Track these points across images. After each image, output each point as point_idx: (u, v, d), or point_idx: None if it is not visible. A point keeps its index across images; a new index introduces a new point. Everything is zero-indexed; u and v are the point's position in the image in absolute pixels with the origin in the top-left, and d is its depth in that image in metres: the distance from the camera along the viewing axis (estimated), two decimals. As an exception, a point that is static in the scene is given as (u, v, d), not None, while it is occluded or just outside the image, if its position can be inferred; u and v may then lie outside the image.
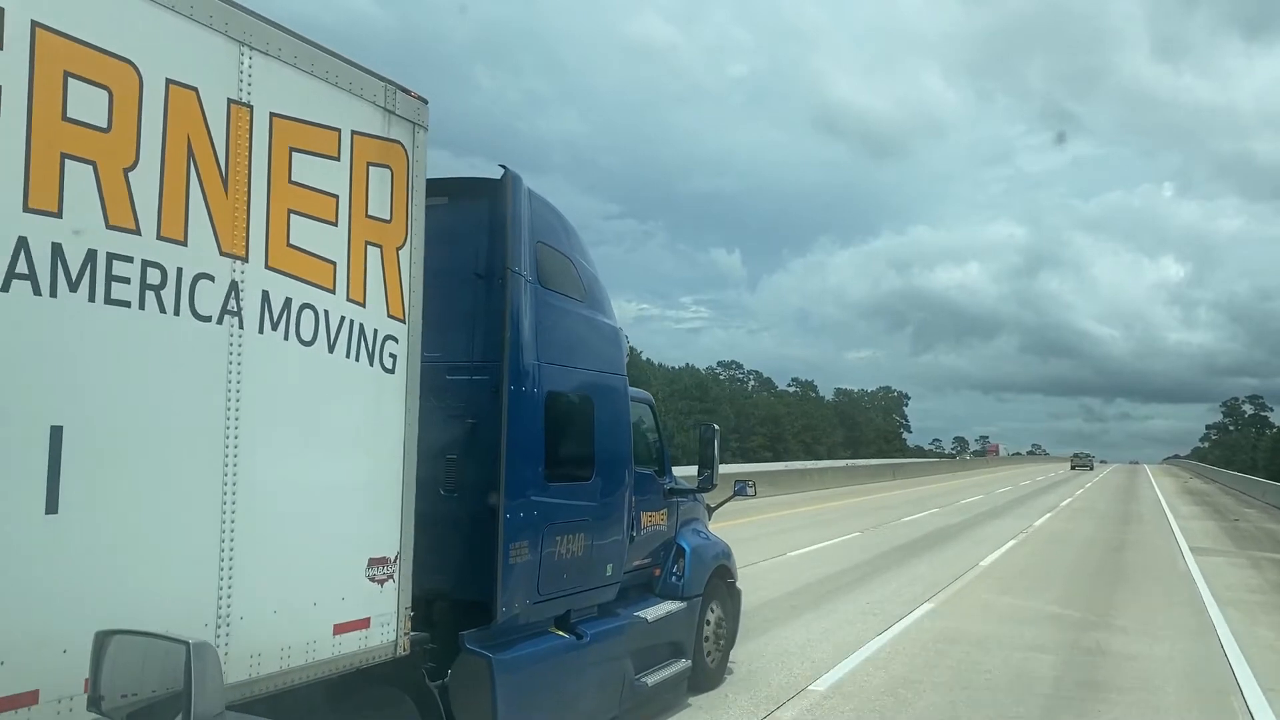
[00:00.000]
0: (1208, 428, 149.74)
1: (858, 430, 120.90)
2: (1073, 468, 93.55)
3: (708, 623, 7.70)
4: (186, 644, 1.77)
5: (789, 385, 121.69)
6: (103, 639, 1.98)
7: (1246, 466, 76.17)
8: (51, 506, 2.89)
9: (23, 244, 2.83)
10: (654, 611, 6.91)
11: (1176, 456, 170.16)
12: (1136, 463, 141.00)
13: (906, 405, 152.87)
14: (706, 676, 7.64)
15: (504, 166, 5.37)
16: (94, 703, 1.94)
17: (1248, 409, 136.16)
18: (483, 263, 5.42)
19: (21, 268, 2.83)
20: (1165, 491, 48.22)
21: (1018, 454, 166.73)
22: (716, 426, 8.23)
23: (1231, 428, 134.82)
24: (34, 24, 2.87)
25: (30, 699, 2.83)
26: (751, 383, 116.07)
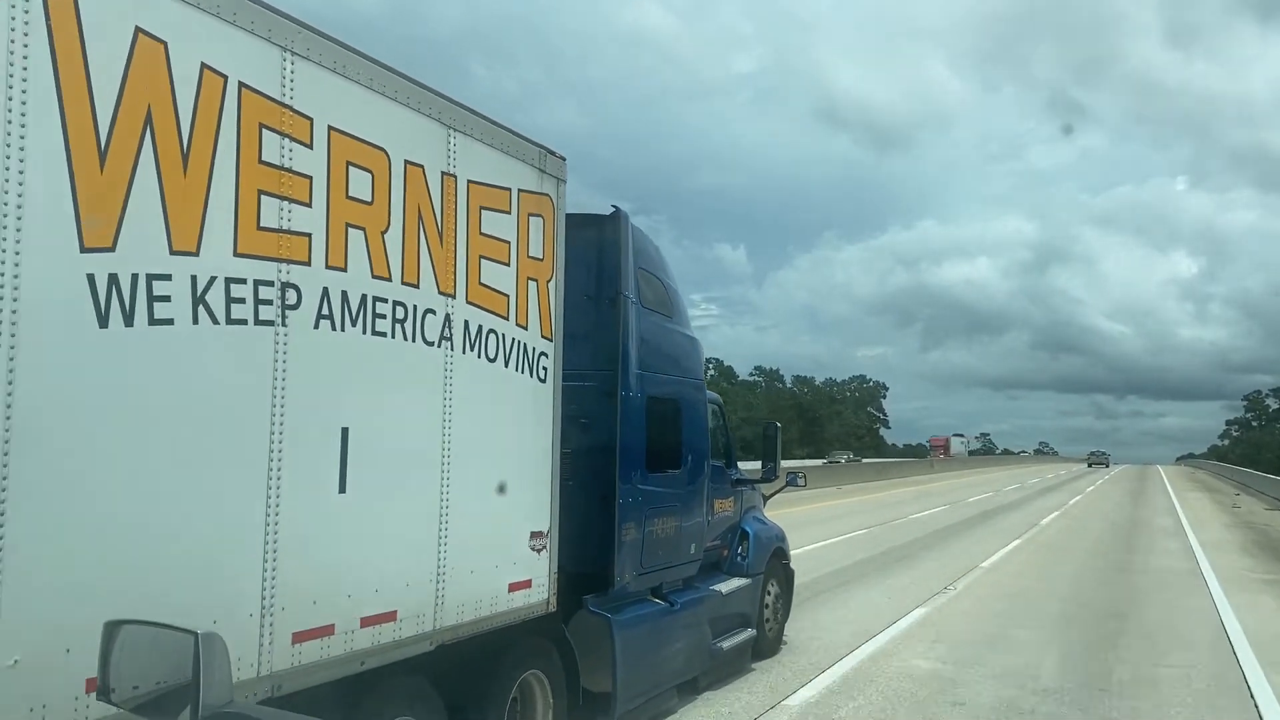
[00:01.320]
0: (1228, 423, 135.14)
1: (818, 426, 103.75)
2: (1089, 465, 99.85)
3: (767, 597, 8.69)
4: (195, 634, 1.72)
5: (751, 374, 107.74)
6: (111, 629, 1.90)
7: (1274, 466, 63.18)
8: (342, 488, 3.90)
9: (325, 293, 3.83)
10: (726, 586, 7.90)
11: (1191, 455, 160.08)
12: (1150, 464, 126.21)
13: (884, 397, 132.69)
14: (766, 645, 8.63)
15: (615, 206, 6.37)
16: (103, 693, 1.87)
17: (1271, 403, 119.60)
18: (594, 286, 6.39)
19: (325, 310, 3.83)
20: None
21: (1023, 452, 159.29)
22: (779, 424, 9.23)
23: (1255, 423, 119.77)
24: (329, 128, 3.87)
25: (325, 631, 3.85)
26: (711, 371, 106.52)
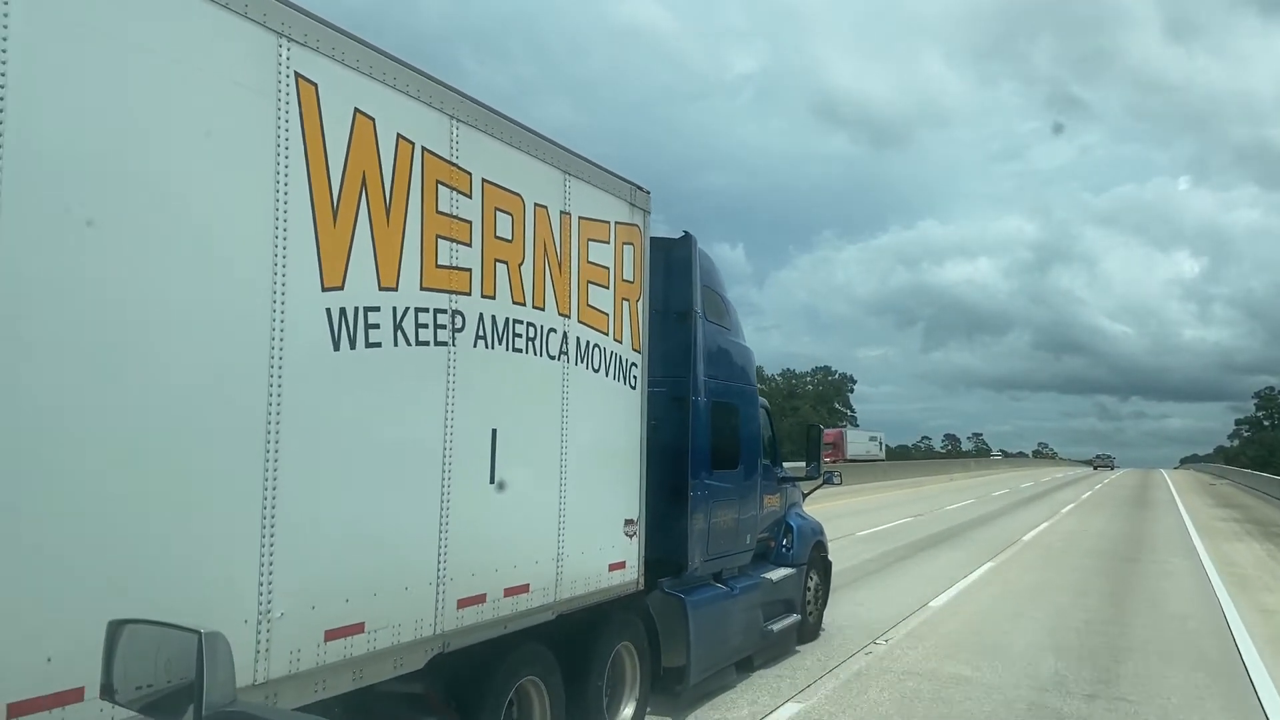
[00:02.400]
0: (1237, 423, 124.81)
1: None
2: (1095, 468, 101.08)
3: (809, 586, 9.44)
4: (198, 633, 1.72)
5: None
6: (115, 628, 1.90)
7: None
8: (493, 480, 4.66)
9: (481, 318, 4.60)
10: (775, 575, 8.65)
11: (1195, 457, 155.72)
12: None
13: (852, 392, 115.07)
14: (808, 630, 9.38)
15: (686, 231, 7.13)
16: (107, 692, 1.88)
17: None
18: (664, 301, 7.14)
19: (481, 332, 4.59)
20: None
21: (1021, 454, 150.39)
22: (822, 426, 9.98)
23: (1266, 423, 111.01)
24: (483, 180, 4.64)
25: (480, 599, 4.61)
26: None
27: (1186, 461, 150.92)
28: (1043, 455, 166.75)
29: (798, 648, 9.07)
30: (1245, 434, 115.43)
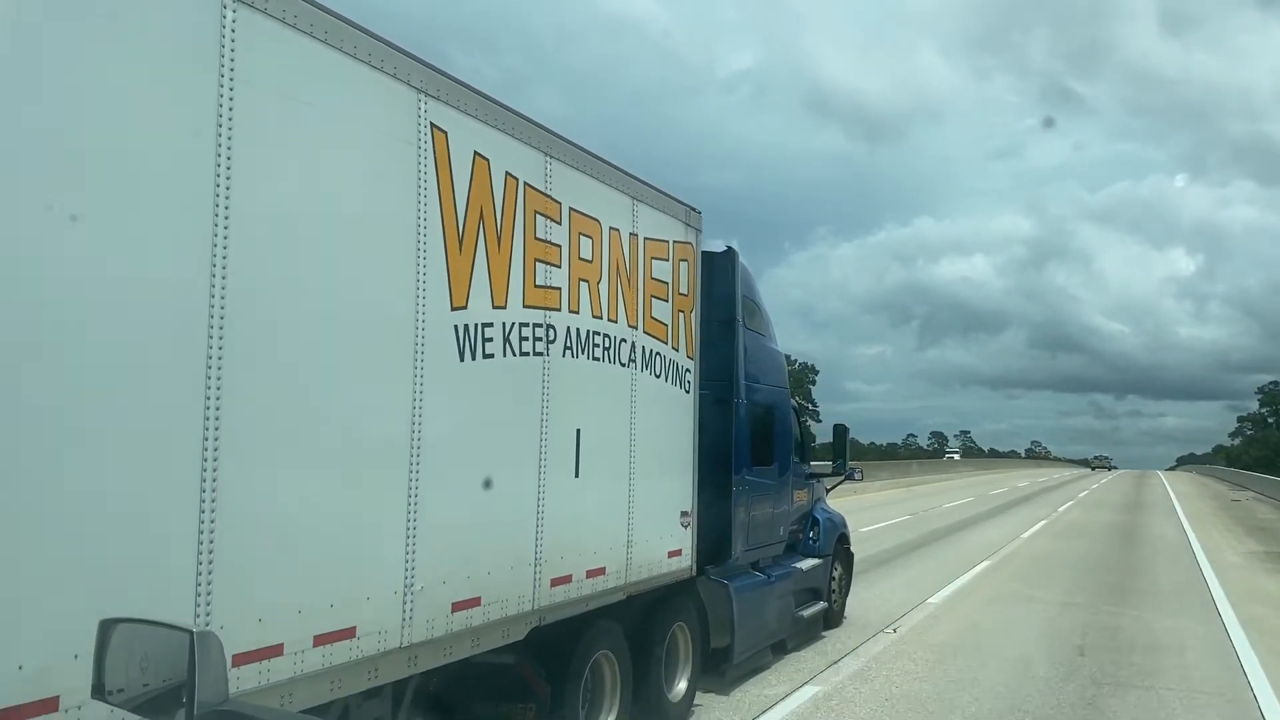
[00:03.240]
0: (1240, 420, 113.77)
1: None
2: (1093, 469, 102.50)
3: (833, 576, 10.04)
4: (190, 632, 1.72)
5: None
6: (106, 628, 1.89)
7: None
8: (576, 474, 5.25)
9: (568, 331, 5.19)
10: (804, 564, 9.25)
11: (1192, 456, 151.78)
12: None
13: (813, 384, 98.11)
14: (833, 616, 9.99)
15: (729, 245, 7.72)
16: (98, 691, 1.87)
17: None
18: (708, 310, 7.72)
19: (568, 344, 5.19)
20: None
21: (1013, 453, 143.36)
22: (847, 426, 10.61)
23: (1271, 420, 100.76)
24: (570, 208, 5.22)
25: (567, 579, 5.20)
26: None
27: (1184, 462, 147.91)
28: (1036, 455, 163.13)
29: (823, 633, 9.67)
30: (1248, 432, 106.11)
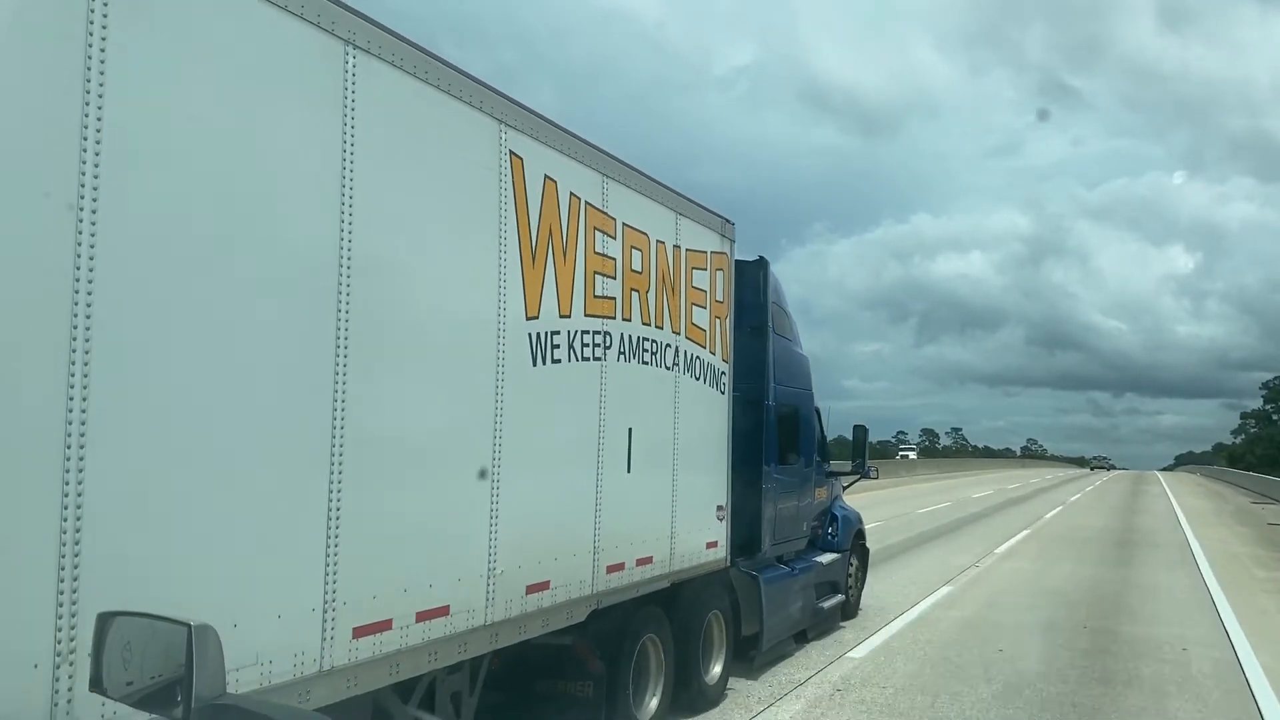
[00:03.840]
0: (1243, 417, 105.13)
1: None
2: (1092, 469, 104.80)
3: (850, 570, 10.47)
4: (188, 626, 1.72)
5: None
6: (105, 620, 1.91)
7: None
8: (629, 469, 5.68)
9: (621, 337, 5.61)
10: (824, 559, 9.67)
11: (1191, 455, 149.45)
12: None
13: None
14: (849, 609, 10.42)
15: (761, 255, 8.14)
16: (96, 684, 1.88)
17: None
18: (739, 317, 8.14)
19: (621, 349, 5.61)
20: None
21: (1008, 450, 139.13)
22: (866, 426, 11.04)
23: (1276, 416, 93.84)
24: (623, 223, 5.65)
25: (621, 566, 5.62)
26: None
27: (1183, 461, 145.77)
28: (1031, 453, 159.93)
29: (841, 624, 10.10)
30: (1252, 429, 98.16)
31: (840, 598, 9.98)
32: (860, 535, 10.89)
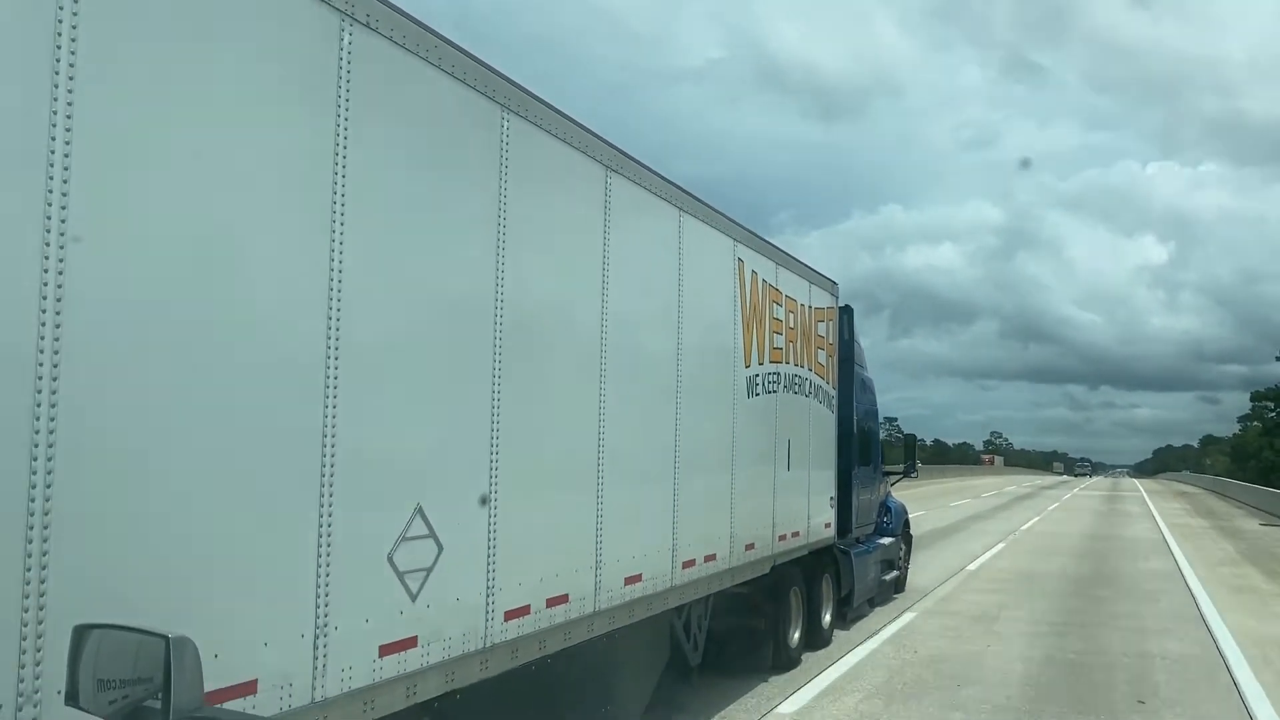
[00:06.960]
0: (1254, 399, 76.54)
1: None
2: (1075, 474, 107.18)
3: (901, 551, 12.88)
4: (166, 638, 1.68)
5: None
6: (81, 633, 1.82)
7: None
8: (788, 468, 8.04)
9: (784, 376, 7.97)
10: (884, 541, 12.08)
11: (1170, 448, 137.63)
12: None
13: None
14: (901, 583, 12.84)
15: (848, 304, 10.53)
16: (71, 698, 1.79)
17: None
18: (827, 351, 10.52)
19: (785, 384, 7.97)
20: None
21: (965, 445, 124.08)
22: (916, 435, 13.49)
23: (1272, 412, 70.64)
24: (784, 294, 8.01)
25: (784, 537, 7.98)
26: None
27: (1161, 455, 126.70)
28: (994, 448, 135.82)
29: (894, 596, 12.51)
30: (1270, 413, 71.40)
31: (896, 573, 12.40)
32: (907, 524, 13.33)
